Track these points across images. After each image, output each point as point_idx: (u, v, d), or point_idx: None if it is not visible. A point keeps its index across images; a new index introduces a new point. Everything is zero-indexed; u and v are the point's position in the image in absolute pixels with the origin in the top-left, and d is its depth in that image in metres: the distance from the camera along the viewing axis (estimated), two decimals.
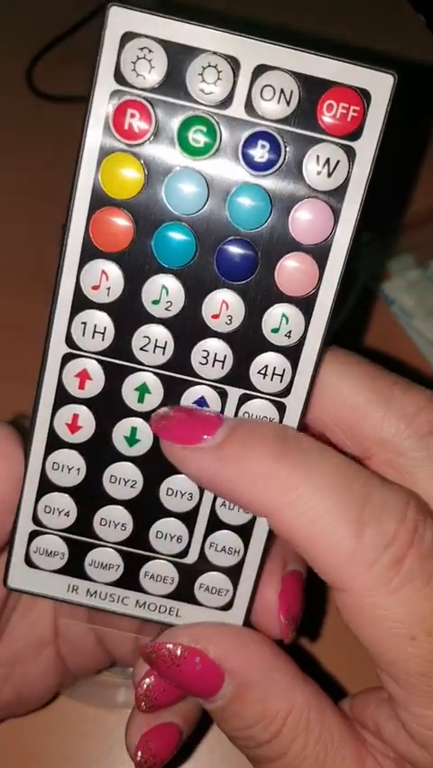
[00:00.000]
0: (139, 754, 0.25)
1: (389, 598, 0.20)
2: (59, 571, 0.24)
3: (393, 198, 0.49)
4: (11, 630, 0.28)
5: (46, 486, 0.24)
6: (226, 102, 0.21)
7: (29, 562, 0.24)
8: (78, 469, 0.24)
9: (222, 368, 0.23)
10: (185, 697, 0.25)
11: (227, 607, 0.25)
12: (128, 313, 0.22)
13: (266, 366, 0.23)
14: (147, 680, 0.25)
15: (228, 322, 0.22)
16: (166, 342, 0.22)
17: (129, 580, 0.24)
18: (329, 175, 0.21)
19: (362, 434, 0.22)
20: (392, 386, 0.22)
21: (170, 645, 0.23)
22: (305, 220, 0.21)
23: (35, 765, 0.34)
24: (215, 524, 0.24)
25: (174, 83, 0.21)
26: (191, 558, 0.24)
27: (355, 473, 0.21)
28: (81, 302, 0.22)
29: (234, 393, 0.23)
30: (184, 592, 0.25)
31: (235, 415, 0.23)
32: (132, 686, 0.25)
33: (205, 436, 0.22)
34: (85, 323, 0.22)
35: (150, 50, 0.20)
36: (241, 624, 0.25)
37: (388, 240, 0.47)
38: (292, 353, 0.22)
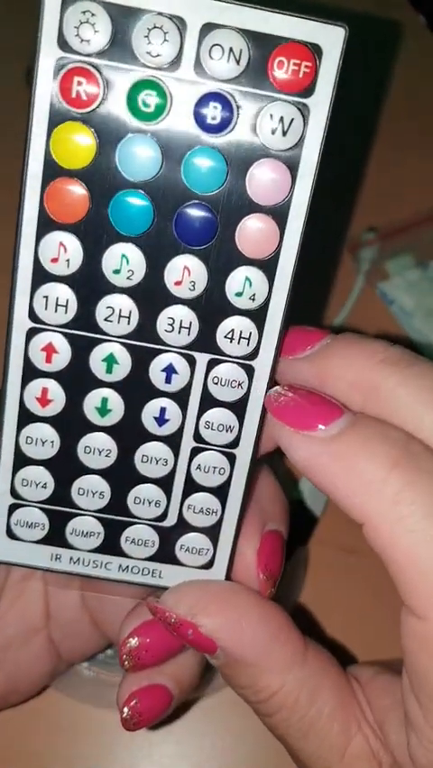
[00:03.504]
0: (125, 710, 0.26)
1: None
2: (41, 542, 0.25)
3: (393, 196, 0.49)
4: (0, 617, 0.28)
5: (21, 460, 0.24)
6: (175, 63, 0.20)
7: (10, 534, 0.25)
8: (52, 441, 0.24)
9: (188, 334, 0.23)
10: (171, 657, 0.26)
11: (208, 565, 0.25)
12: (89, 284, 0.22)
13: (232, 330, 0.23)
14: (132, 639, 0.25)
15: (192, 288, 0.22)
16: (130, 312, 0.22)
17: (110, 545, 0.25)
18: (284, 133, 0.21)
19: None
20: None
21: (167, 613, 0.23)
22: (262, 180, 0.21)
23: (35, 765, 0.34)
24: (191, 487, 0.24)
25: (120, 46, 0.20)
26: (170, 521, 0.25)
27: None
28: (41, 275, 0.22)
29: (203, 359, 0.23)
30: (165, 554, 0.25)
31: (205, 380, 0.23)
32: None
33: (320, 425, 0.21)
34: (46, 296, 0.22)
35: (92, 14, 0.20)
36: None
37: (388, 240, 0.47)
38: (258, 316, 0.22)
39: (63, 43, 0.20)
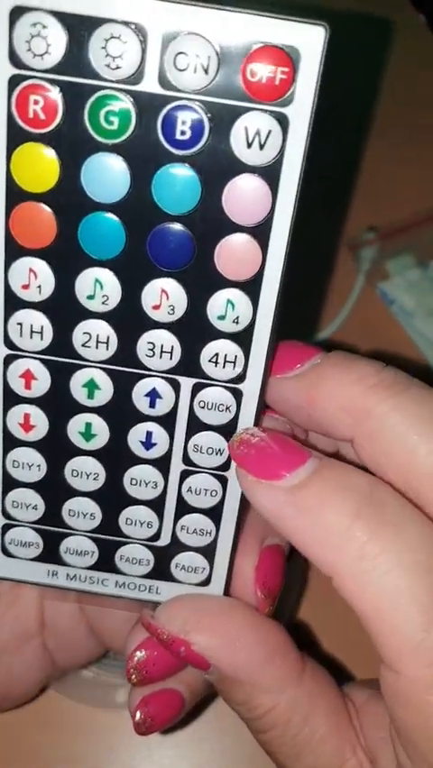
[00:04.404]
0: (138, 714, 0.26)
1: None
2: (37, 559, 0.25)
3: (393, 196, 0.48)
4: None
5: (10, 483, 0.23)
6: (137, 76, 0.18)
7: (6, 552, 0.25)
8: (39, 465, 0.23)
9: (170, 358, 0.21)
10: (178, 671, 0.25)
11: (205, 583, 0.25)
12: (64, 310, 0.21)
13: (216, 354, 0.21)
14: (138, 652, 0.25)
15: (171, 312, 0.21)
16: (108, 337, 0.21)
17: (105, 563, 0.24)
18: (261, 147, 0.19)
19: (431, 508, 0.20)
20: None
21: (159, 629, 0.23)
22: (240, 198, 0.19)
23: (35, 765, 0.34)
24: (183, 508, 0.24)
25: (77, 60, 0.18)
26: (164, 541, 0.24)
27: None
28: (13, 302, 0.21)
29: (187, 383, 0.22)
30: (161, 571, 0.25)
31: (191, 404, 0.22)
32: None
33: (284, 473, 0.20)
34: (21, 323, 0.21)
35: (44, 26, 0.18)
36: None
37: (388, 240, 0.46)
38: (243, 339, 0.21)
39: (15, 59, 0.18)
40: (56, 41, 0.18)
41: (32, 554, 0.25)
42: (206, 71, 0.18)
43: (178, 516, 0.24)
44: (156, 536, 0.24)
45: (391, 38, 0.54)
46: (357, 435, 0.21)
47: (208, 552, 0.24)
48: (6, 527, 0.24)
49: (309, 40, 0.18)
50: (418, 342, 0.45)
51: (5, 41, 0.18)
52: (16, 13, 0.18)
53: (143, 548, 0.24)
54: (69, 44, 0.18)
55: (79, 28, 0.18)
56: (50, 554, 0.24)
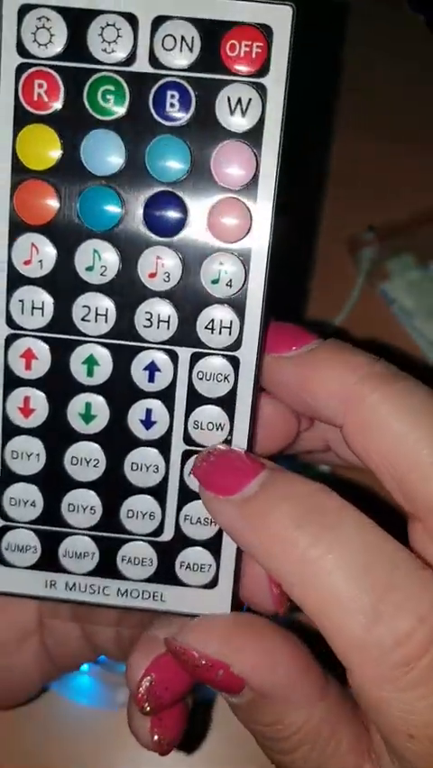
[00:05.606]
0: (155, 736, 0.24)
1: (394, 695, 0.19)
2: (35, 567, 0.24)
3: (393, 196, 0.49)
4: None
5: (8, 477, 0.23)
6: (130, 58, 0.21)
7: (2, 561, 0.24)
8: (38, 454, 0.23)
9: (168, 328, 0.22)
10: (190, 690, 0.24)
11: (212, 584, 0.23)
12: (64, 284, 0.22)
13: (212, 320, 0.22)
14: (147, 678, 0.23)
15: (166, 279, 0.22)
16: (107, 310, 0.22)
17: (106, 567, 0.23)
18: (243, 114, 0.21)
19: (416, 495, 0.20)
20: None
21: (196, 655, 0.22)
22: (226, 163, 0.21)
23: (34, 765, 0.34)
24: (186, 495, 0.23)
25: (76, 48, 0.21)
26: (167, 535, 0.23)
27: (385, 556, 0.19)
28: (16, 279, 0.22)
29: (185, 353, 0.22)
30: (165, 573, 0.23)
31: (190, 375, 0.22)
32: None
33: (237, 488, 0.21)
34: (22, 300, 0.22)
35: (48, 19, 0.21)
36: (229, 602, 0.23)
37: (388, 240, 0.48)
38: (237, 304, 0.22)
39: (22, 50, 0.21)
40: (58, 32, 0.21)
41: (30, 561, 0.24)
42: (190, 50, 0.21)
43: (181, 504, 0.23)
44: (159, 530, 0.23)
45: (396, 36, 0.54)
46: (348, 422, 0.21)
47: (213, 545, 0.23)
48: (3, 530, 0.23)
49: (279, 18, 0.20)
50: (418, 342, 0.45)
51: (14, 34, 0.21)
52: (24, 10, 0.21)
53: (146, 545, 0.23)
54: (70, 34, 0.21)
55: (79, 19, 0.21)
56: (49, 560, 0.23)
